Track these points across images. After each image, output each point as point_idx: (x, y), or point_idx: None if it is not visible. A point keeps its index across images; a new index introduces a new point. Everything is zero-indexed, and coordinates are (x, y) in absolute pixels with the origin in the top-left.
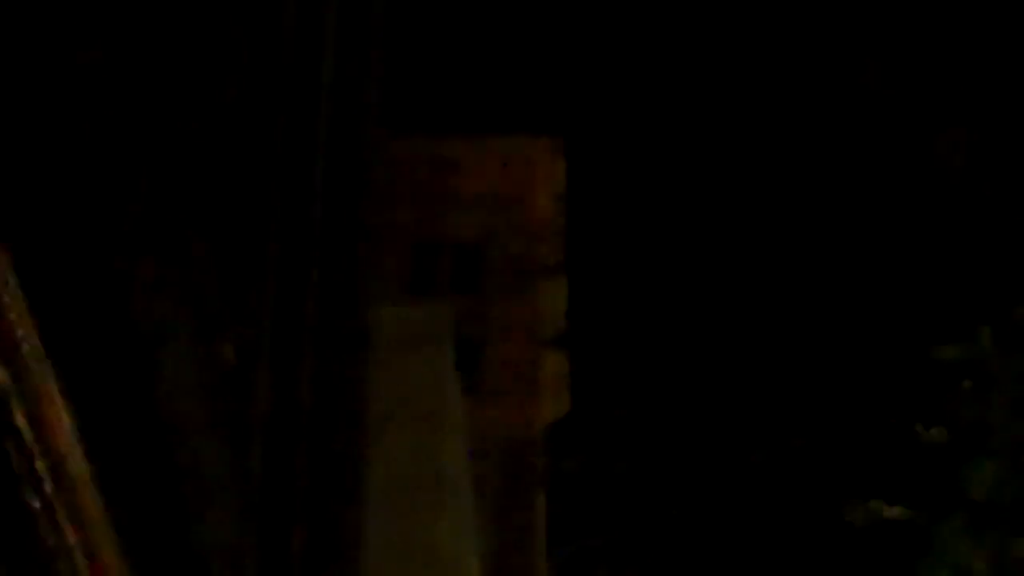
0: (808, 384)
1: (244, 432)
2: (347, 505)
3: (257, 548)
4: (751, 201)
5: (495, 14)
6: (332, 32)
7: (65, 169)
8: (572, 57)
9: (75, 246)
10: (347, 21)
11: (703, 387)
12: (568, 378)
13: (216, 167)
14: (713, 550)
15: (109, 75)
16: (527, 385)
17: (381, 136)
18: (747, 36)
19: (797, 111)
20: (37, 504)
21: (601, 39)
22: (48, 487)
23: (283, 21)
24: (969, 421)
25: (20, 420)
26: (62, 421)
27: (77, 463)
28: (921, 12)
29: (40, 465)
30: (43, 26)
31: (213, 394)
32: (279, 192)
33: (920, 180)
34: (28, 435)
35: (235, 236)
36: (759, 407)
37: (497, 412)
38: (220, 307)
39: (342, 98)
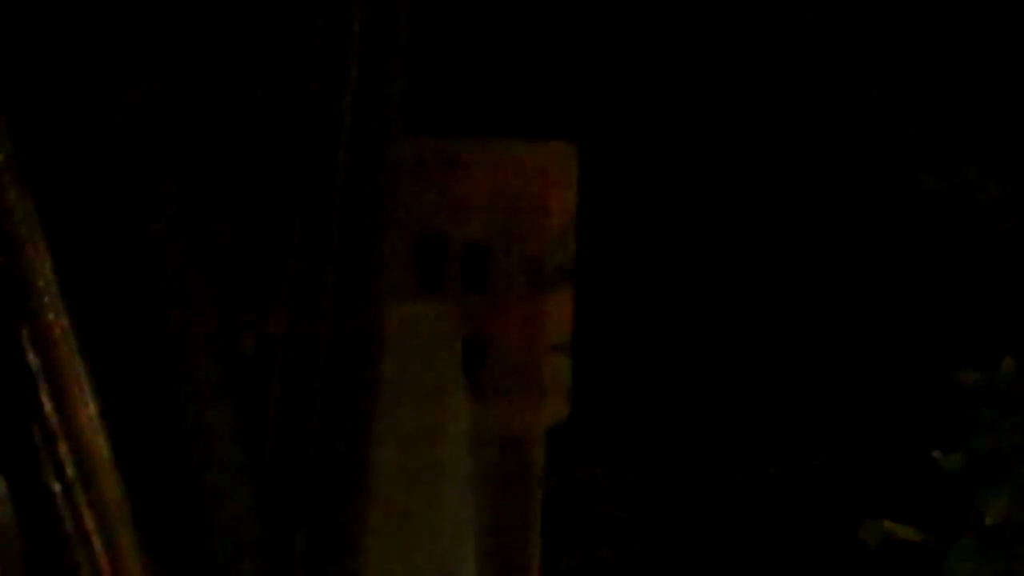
0: (828, 403)
1: (258, 427)
2: (352, 499)
3: (265, 541)
4: (769, 213)
5: (510, 17)
6: (358, 34)
7: (94, 161)
8: (588, 61)
9: (105, 235)
10: (373, 24)
11: (719, 401)
12: (569, 383)
13: (241, 165)
14: (725, 564)
15: (137, 73)
16: (529, 387)
17: (402, 136)
18: (770, 28)
19: (821, 129)
20: (58, 488)
21: (616, 45)
22: (70, 471)
23: (310, 23)
24: (987, 448)
25: (47, 404)
26: (87, 407)
27: (100, 449)
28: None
29: (63, 449)
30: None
31: (230, 387)
32: (301, 189)
33: (947, 204)
34: (54, 419)
35: (257, 230)
36: (777, 423)
37: (498, 412)
38: (241, 301)
39: (365, 99)
